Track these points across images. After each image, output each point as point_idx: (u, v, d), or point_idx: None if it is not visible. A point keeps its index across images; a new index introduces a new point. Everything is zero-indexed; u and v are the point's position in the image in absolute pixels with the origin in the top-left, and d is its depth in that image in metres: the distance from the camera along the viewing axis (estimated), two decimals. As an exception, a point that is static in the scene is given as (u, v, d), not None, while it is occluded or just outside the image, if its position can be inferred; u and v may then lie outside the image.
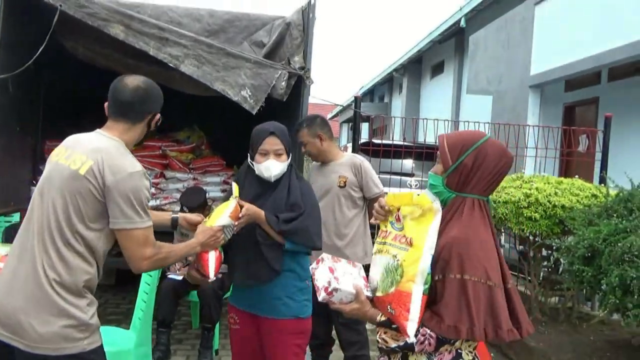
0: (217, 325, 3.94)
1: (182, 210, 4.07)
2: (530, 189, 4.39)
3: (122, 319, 4.87)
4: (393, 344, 1.55)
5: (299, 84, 3.67)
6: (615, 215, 3.62)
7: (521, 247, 5.27)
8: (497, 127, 5.48)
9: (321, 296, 1.64)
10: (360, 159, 3.34)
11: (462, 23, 11.64)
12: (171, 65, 3.53)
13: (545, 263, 4.88)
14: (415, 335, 1.49)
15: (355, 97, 5.05)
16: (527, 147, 6.03)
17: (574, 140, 6.99)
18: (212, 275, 2.24)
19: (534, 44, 8.14)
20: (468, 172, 1.58)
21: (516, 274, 5.63)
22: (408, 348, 1.53)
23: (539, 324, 4.54)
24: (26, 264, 1.74)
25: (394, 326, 1.55)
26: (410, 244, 1.57)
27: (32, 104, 4.32)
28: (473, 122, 5.32)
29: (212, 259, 2.22)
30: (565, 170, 7.96)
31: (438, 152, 1.67)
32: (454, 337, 1.48)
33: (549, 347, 3.99)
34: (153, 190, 4.80)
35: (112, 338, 2.94)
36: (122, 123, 1.89)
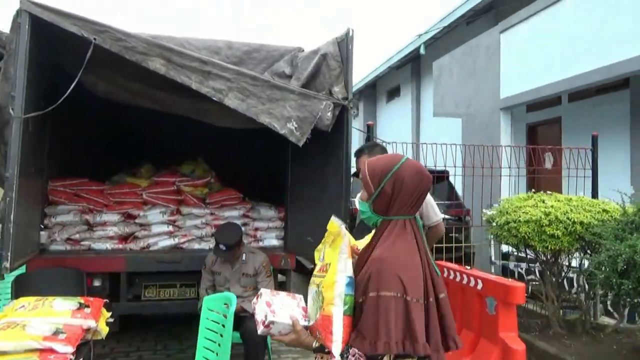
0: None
1: (217, 248, 3.89)
2: (546, 208, 4.59)
3: (139, 367, 4.55)
4: None
5: (342, 113, 3.65)
6: (641, 228, 3.86)
7: (533, 265, 5.48)
8: (467, 149, 5.66)
9: (260, 329, 1.67)
10: None
11: (422, 50, 12.12)
12: (215, 99, 3.40)
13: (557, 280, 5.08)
14: (346, 356, 1.51)
15: (368, 125, 5.11)
16: (501, 167, 6.28)
17: (540, 158, 7.43)
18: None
19: (501, 69, 8.60)
20: (389, 197, 1.63)
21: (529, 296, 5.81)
22: None
23: (561, 337, 4.71)
24: None
25: (326, 350, 1.56)
26: (326, 270, 1.65)
27: (41, 144, 4.01)
28: (440, 144, 5.45)
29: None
30: (533, 186, 8.39)
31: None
32: (374, 353, 1.49)
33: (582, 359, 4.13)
34: (170, 228, 4.54)
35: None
36: None
